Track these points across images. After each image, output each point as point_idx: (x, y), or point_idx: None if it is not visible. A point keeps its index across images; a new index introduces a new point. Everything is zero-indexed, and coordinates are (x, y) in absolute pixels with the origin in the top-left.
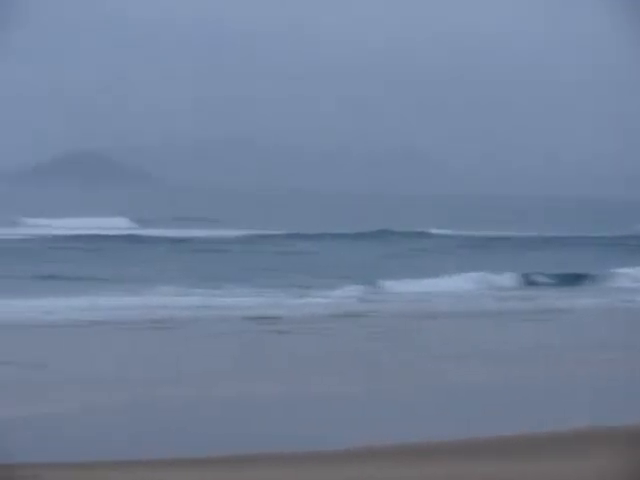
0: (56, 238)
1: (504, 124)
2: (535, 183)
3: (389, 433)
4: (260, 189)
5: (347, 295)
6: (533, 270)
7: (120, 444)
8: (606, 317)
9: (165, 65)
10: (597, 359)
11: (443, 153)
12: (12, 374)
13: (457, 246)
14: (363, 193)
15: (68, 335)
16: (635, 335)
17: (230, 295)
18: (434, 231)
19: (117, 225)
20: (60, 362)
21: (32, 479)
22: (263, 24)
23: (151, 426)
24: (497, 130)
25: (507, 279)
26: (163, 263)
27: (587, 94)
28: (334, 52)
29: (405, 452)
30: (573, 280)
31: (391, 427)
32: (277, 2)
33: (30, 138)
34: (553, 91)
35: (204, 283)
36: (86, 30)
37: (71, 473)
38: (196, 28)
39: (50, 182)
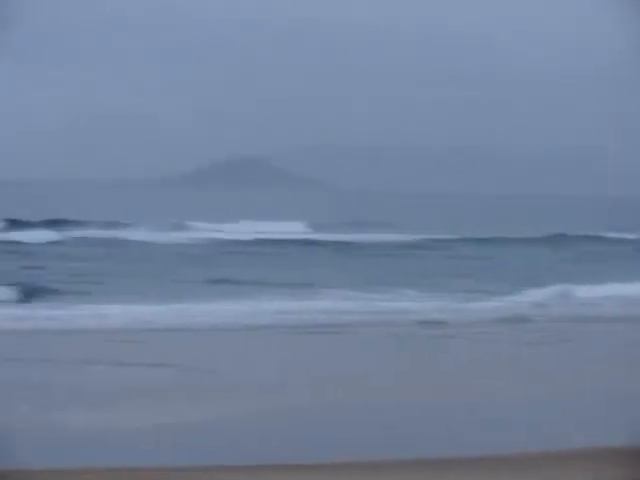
0: (226, 242)
1: None
2: None
3: (551, 439)
4: (433, 193)
5: (518, 300)
6: None
7: (286, 448)
8: None
9: (326, 68)
10: None
11: (616, 152)
12: (182, 378)
13: (635, 250)
14: (535, 195)
15: (239, 339)
16: None
17: (398, 300)
18: (610, 235)
19: (290, 229)
20: (229, 366)
21: None
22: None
23: (317, 431)
24: None
25: None
26: (333, 267)
27: None
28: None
29: (558, 458)
30: None
31: (554, 433)
32: None
33: (190, 145)
34: None
35: (373, 287)
36: (262, 36)
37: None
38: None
39: (212, 187)
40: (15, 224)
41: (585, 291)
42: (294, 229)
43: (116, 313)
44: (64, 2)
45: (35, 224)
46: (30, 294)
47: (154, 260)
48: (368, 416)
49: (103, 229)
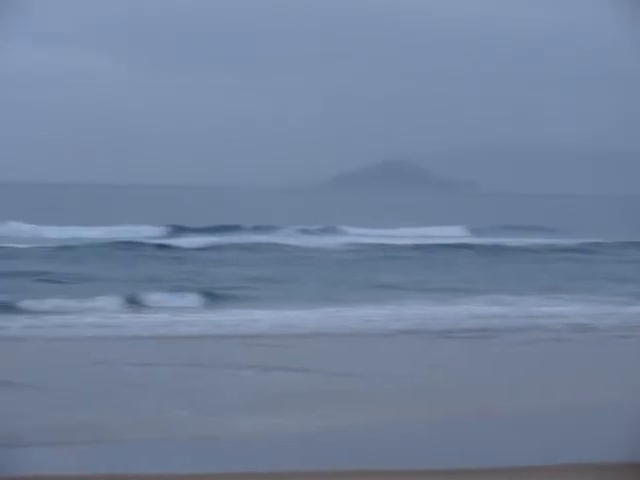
0: (379, 247)
1: None
2: None
3: None
4: (586, 195)
5: None
6: None
7: (431, 454)
8: None
9: (476, 69)
10: None
11: None
12: (329, 383)
13: None
14: None
15: (390, 344)
16: None
17: (551, 304)
18: None
19: (449, 234)
20: (381, 371)
21: None
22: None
23: (461, 436)
24: None
25: None
26: (486, 271)
27: None
28: None
29: None
30: None
31: None
32: None
33: (335, 150)
34: None
35: (526, 291)
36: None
37: None
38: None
39: (362, 192)
40: (178, 230)
41: None
42: (453, 233)
43: (266, 318)
44: None
45: (195, 230)
46: (192, 300)
47: (306, 264)
48: (514, 422)
49: (257, 234)
